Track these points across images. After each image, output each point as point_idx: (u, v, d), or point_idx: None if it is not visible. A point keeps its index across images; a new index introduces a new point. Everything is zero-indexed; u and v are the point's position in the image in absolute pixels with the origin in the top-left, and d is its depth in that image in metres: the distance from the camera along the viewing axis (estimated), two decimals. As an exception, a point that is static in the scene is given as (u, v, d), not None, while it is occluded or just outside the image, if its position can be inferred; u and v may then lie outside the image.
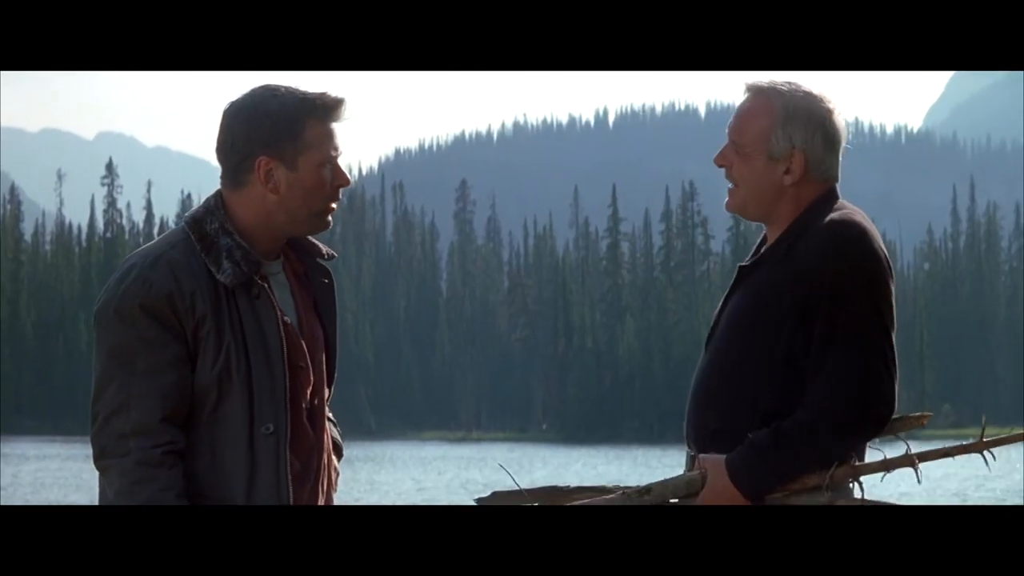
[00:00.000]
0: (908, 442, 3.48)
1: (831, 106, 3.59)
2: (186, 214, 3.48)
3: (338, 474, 3.60)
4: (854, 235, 3.49)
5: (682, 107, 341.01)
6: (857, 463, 3.45)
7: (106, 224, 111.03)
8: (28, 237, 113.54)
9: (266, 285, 3.39)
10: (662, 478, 3.55)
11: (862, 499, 3.42)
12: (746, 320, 3.54)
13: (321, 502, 3.48)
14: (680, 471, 3.68)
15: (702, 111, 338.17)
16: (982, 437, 3.41)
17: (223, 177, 3.43)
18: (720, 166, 3.63)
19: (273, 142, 3.35)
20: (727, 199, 3.64)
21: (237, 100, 3.41)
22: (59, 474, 42.98)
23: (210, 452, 3.32)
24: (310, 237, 3.52)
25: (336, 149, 3.41)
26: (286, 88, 3.40)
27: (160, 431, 3.27)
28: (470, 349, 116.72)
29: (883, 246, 3.55)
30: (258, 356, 3.34)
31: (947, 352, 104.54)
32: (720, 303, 3.68)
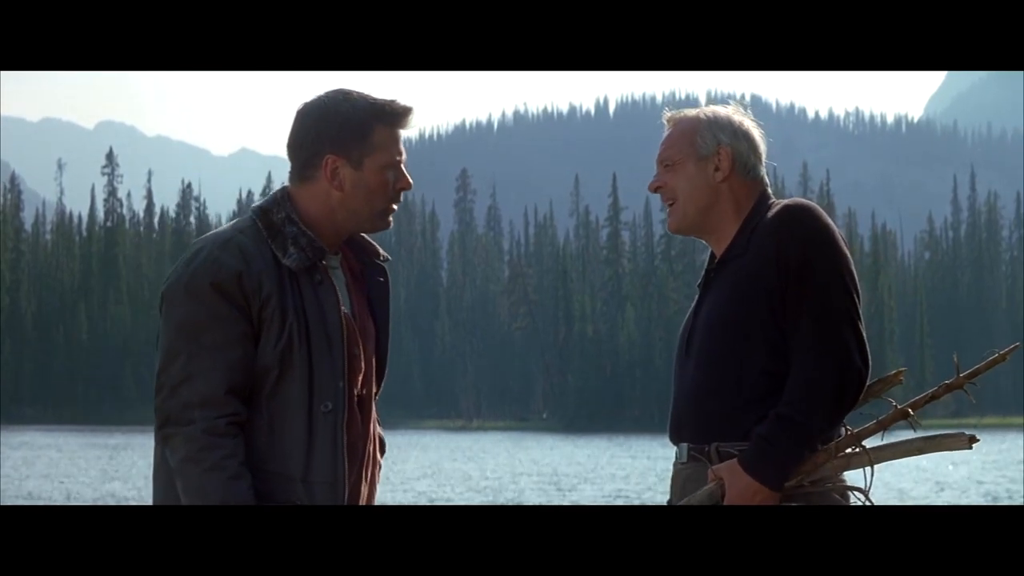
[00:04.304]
0: (892, 400, 3.67)
1: (751, 123, 3.84)
2: (253, 204, 3.63)
3: (380, 468, 3.70)
4: (808, 213, 3.68)
5: (683, 96, 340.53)
6: (855, 429, 3.62)
7: (106, 213, 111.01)
8: (28, 227, 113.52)
9: (327, 272, 3.53)
10: (684, 500, 3.67)
11: (869, 459, 3.58)
12: (729, 310, 3.68)
13: (364, 490, 3.60)
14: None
15: (703, 100, 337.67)
16: (958, 374, 3.61)
17: (291, 172, 3.57)
18: (655, 190, 3.84)
19: (341, 142, 3.51)
20: (668, 222, 3.85)
21: (311, 101, 3.57)
22: (60, 463, 43.03)
23: (268, 428, 3.45)
24: (369, 238, 3.68)
25: (400, 154, 3.56)
26: (358, 93, 3.56)
27: (224, 403, 3.40)
28: (470, 338, 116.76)
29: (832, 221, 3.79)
30: (319, 337, 3.47)
31: (947, 341, 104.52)
32: (689, 315, 3.83)
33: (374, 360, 3.63)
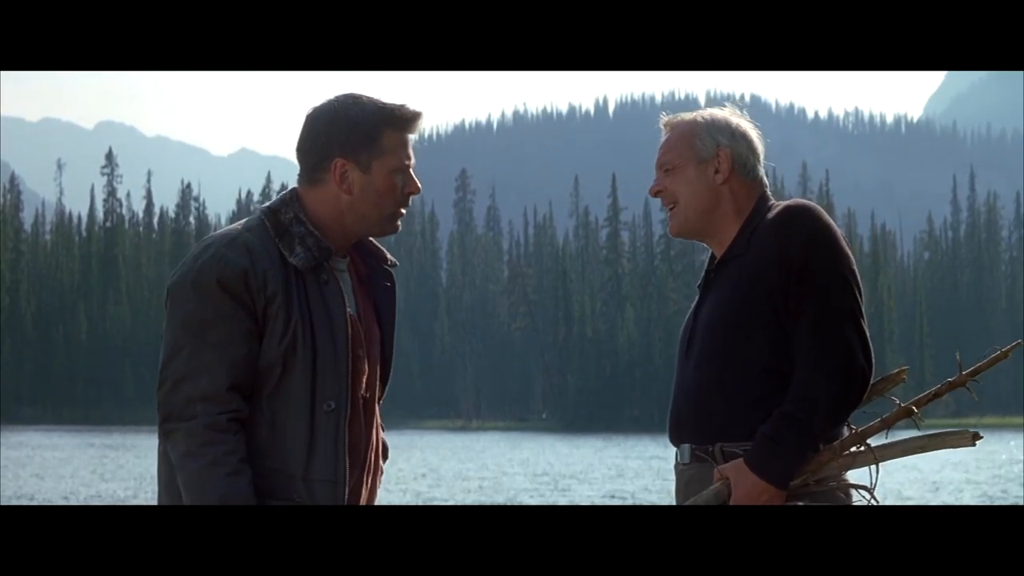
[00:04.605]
0: (895, 399, 3.67)
1: (749, 124, 3.85)
2: (263, 205, 3.65)
3: (382, 474, 3.72)
4: (809, 213, 3.70)
5: (682, 96, 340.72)
6: (859, 428, 3.64)
7: (106, 214, 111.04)
8: (28, 227, 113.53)
9: (334, 273, 3.56)
10: (690, 500, 3.69)
11: (874, 457, 3.60)
12: (730, 311, 3.70)
13: (364, 494, 3.61)
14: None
15: (702, 100, 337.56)
16: (960, 372, 3.61)
17: (300, 175, 3.61)
18: (656, 194, 3.86)
19: (350, 145, 3.55)
20: (669, 225, 3.87)
21: (321, 105, 3.60)
22: (54, 463, 43.04)
23: (270, 425, 3.47)
24: (378, 244, 3.70)
25: (409, 158, 3.59)
26: (368, 97, 3.59)
27: (226, 399, 3.43)
28: (470, 338, 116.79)
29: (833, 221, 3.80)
30: (324, 337, 3.49)
31: (947, 341, 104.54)
32: (689, 316, 3.84)
33: (378, 364, 3.64)
